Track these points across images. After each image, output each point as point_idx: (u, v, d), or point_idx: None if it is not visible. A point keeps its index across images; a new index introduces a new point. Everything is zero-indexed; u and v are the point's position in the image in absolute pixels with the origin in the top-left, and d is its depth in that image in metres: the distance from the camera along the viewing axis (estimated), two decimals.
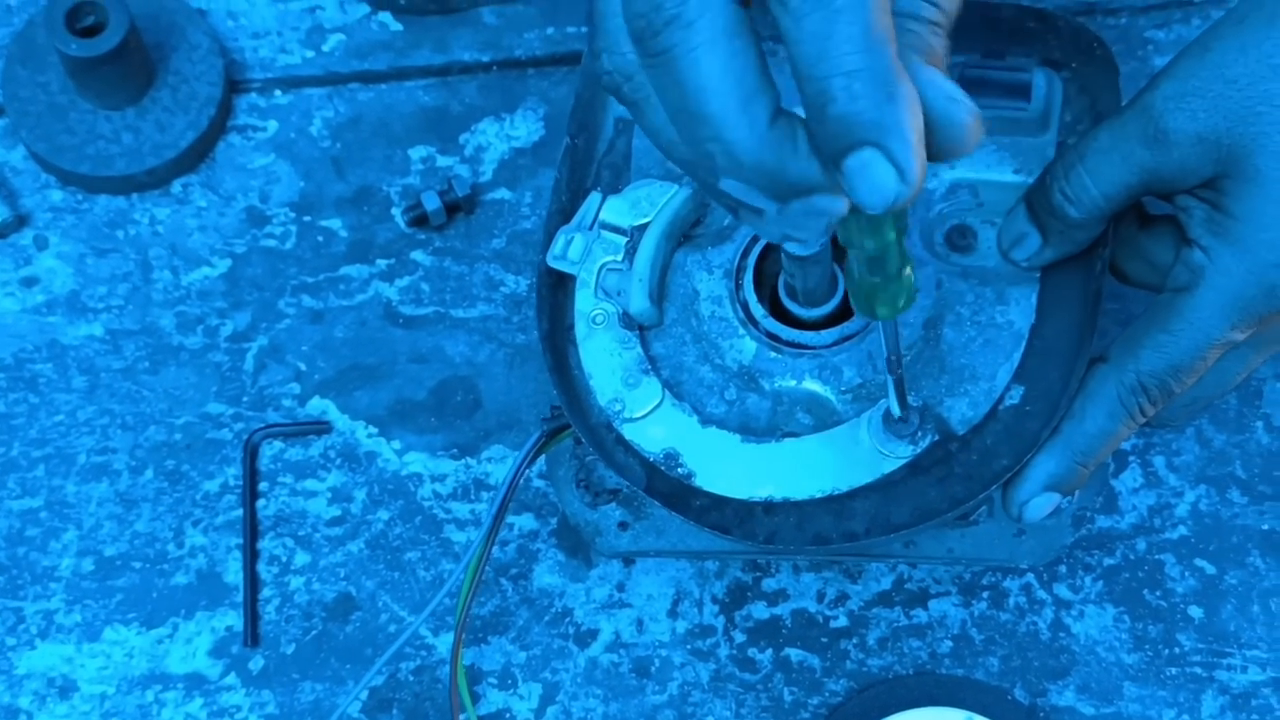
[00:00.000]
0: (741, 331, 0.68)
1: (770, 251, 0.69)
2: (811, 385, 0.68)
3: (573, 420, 0.67)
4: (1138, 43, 0.85)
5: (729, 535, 0.66)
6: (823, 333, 0.68)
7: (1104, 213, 0.65)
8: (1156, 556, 0.78)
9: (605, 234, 0.69)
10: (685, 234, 0.71)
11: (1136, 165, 0.63)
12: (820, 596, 0.78)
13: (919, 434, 0.65)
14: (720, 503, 0.67)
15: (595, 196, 0.69)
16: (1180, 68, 0.63)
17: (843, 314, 0.69)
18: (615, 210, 0.69)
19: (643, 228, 0.68)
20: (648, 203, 0.69)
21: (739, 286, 0.69)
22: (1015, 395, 0.67)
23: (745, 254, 0.69)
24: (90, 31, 0.79)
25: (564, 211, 0.71)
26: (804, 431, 0.67)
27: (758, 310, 0.68)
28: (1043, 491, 0.66)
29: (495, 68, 0.86)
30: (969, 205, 0.70)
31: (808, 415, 0.68)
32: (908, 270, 0.54)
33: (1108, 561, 0.79)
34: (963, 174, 0.71)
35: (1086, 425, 0.65)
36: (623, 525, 0.73)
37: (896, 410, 0.64)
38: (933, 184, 0.70)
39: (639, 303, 0.68)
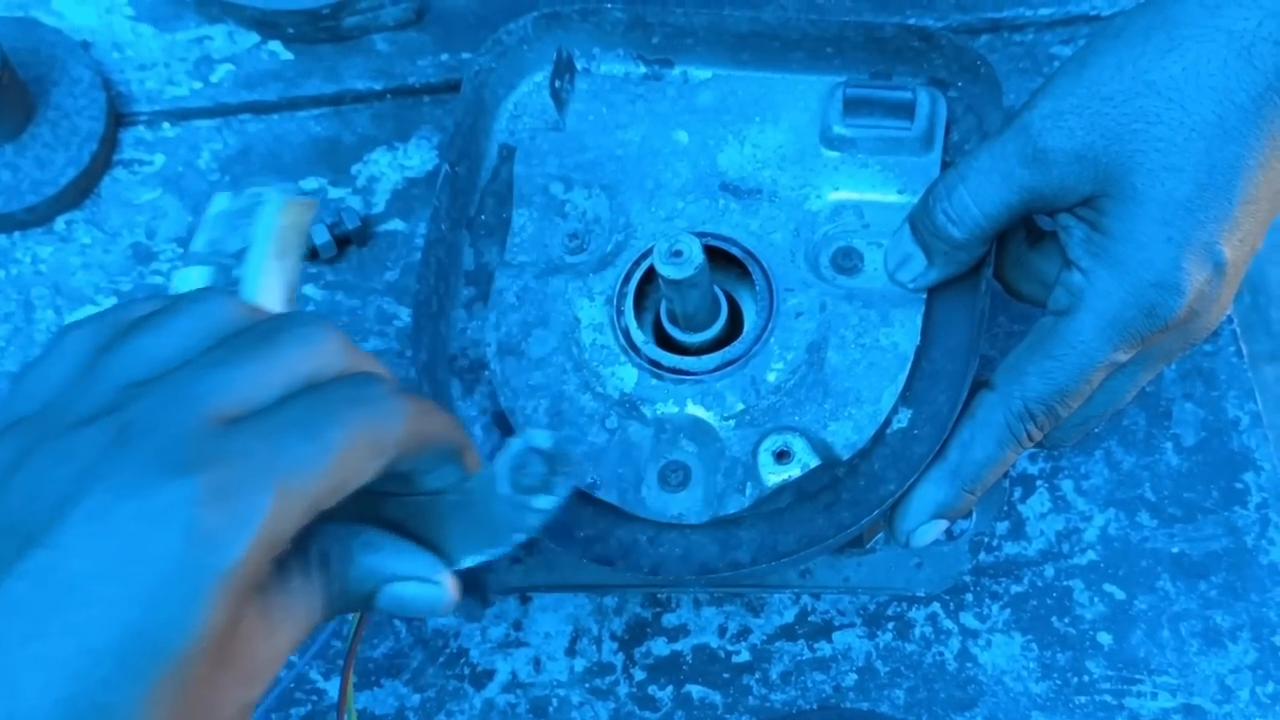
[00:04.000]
0: (623, 359, 0.68)
1: (652, 277, 0.68)
2: (695, 411, 0.67)
3: None
4: (1044, 59, 0.85)
5: (613, 566, 0.66)
6: (704, 358, 0.67)
7: (986, 233, 0.65)
8: (1065, 583, 0.78)
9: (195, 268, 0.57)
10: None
11: (1017, 185, 0.63)
12: (722, 631, 0.77)
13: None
14: (604, 534, 0.66)
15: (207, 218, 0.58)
16: (1057, 85, 0.62)
17: (726, 339, 0.68)
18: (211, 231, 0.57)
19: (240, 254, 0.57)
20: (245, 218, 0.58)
21: (620, 313, 0.68)
22: (903, 419, 0.67)
23: (626, 280, 0.69)
24: None
25: (443, 241, 0.70)
26: (689, 460, 0.66)
27: (638, 336, 0.68)
28: (930, 519, 0.65)
29: (389, 96, 0.86)
30: (855, 226, 0.70)
31: (691, 442, 0.67)
32: None
33: (1015, 589, 0.78)
34: (847, 194, 0.70)
35: (974, 453, 0.64)
36: (514, 560, 0.72)
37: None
38: (818, 205, 0.70)
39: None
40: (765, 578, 0.69)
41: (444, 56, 0.87)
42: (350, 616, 0.66)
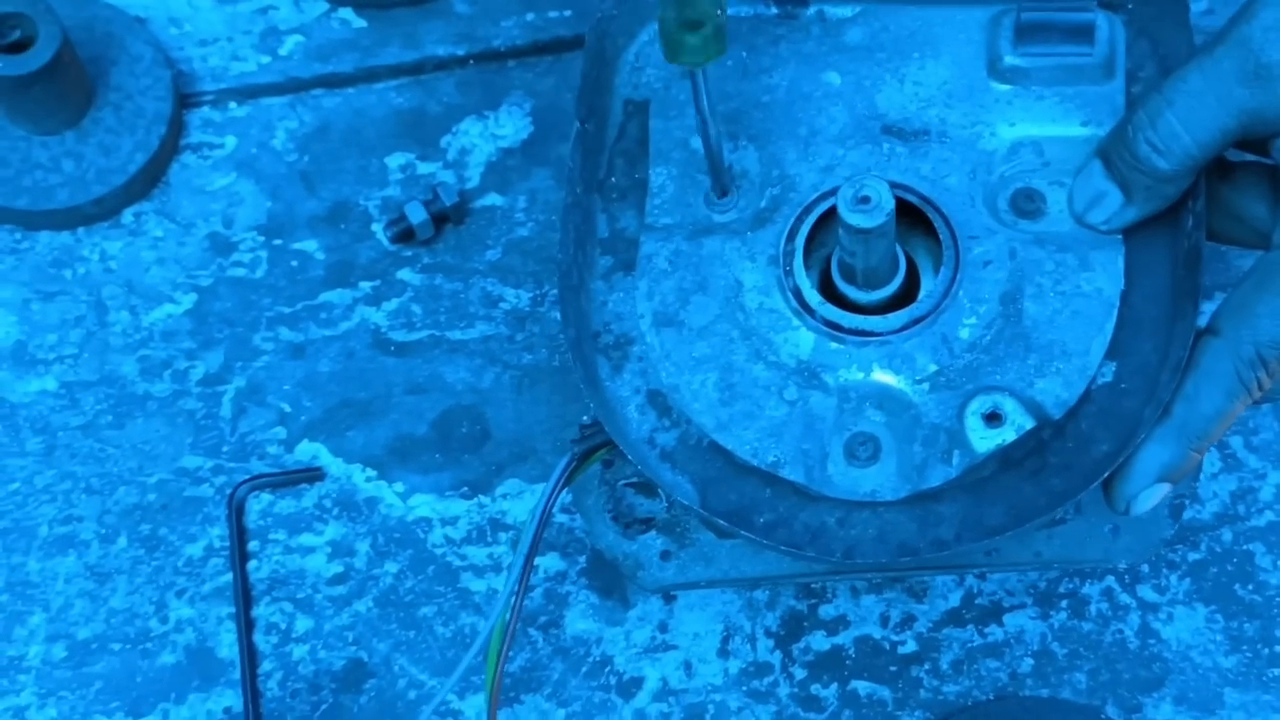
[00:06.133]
0: (796, 322, 0.63)
1: (819, 231, 0.64)
2: (882, 376, 0.62)
3: (615, 437, 0.62)
4: None
5: (802, 553, 0.61)
6: (889, 316, 0.62)
7: (1197, 162, 0.60)
8: (1245, 547, 0.75)
9: None
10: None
11: (1235, 107, 0.58)
12: (884, 620, 0.74)
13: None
14: (788, 518, 0.61)
15: None
16: None
17: (907, 295, 0.63)
18: None
19: None
20: None
21: (788, 273, 0.64)
22: (1108, 372, 0.62)
23: (791, 236, 0.64)
24: (17, 47, 0.75)
25: (579, 206, 0.65)
26: (877, 431, 0.61)
27: (812, 297, 0.63)
28: (1154, 483, 0.60)
29: (473, 61, 0.83)
30: (1033, 166, 0.65)
31: (879, 411, 0.62)
32: (719, 12, 0.56)
33: (1193, 556, 0.75)
34: (1024, 131, 0.66)
35: (1201, 406, 0.59)
36: (665, 555, 0.68)
37: (712, 184, 0.64)
38: (992, 144, 0.66)
39: None
40: (955, 557, 0.63)
41: (529, 16, 0.84)
42: (491, 627, 0.63)
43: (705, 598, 0.74)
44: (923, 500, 0.61)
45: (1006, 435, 0.59)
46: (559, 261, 0.64)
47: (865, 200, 0.57)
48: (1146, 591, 0.74)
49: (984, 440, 0.59)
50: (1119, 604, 0.74)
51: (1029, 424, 0.59)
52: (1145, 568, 0.74)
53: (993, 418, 0.60)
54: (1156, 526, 0.67)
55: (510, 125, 0.81)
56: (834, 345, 0.62)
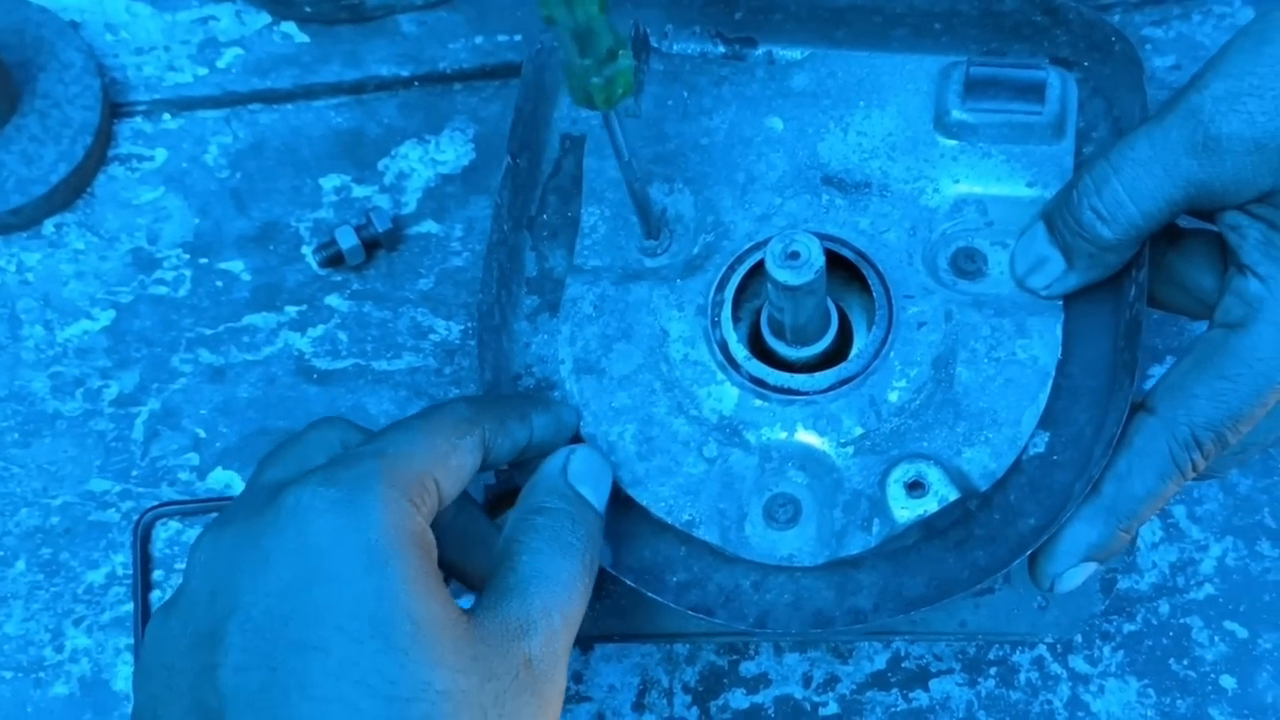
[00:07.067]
0: (720, 377, 0.61)
1: (750, 282, 0.62)
2: (806, 437, 0.60)
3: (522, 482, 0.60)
4: (1134, 42, 0.79)
5: (713, 617, 0.59)
6: (816, 375, 0.61)
7: (1141, 232, 0.59)
8: (1182, 620, 0.73)
9: None
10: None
11: (1182, 178, 0.57)
12: (807, 680, 0.72)
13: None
14: (702, 579, 0.60)
15: None
16: (1232, 63, 0.56)
17: (837, 354, 0.62)
18: None
19: None
20: None
21: (716, 324, 0.62)
22: (1040, 443, 0.61)
23: (722, 286, 0.62)
24: None
25: (505, 244, 0.63)
26: (799, 493, 0.60)
27: (738, 351, 0.61)
28: (1080, 562, 0.59)
29: (416, 83, 0.81)
30: (976, 224, 0.64)
31: (802, 473, 0.60)
32: (622, 53, 0.55)
33: (1128, 628, 0.73)
34: (969, 188, 0.64)
35: (1133, 486, 0.58)
36: None
37: (641, 228, 0.63)
38: (935, 200, 0.64)
39: None
40: (873, 624, 0.61)
41: (478, 39, 0.82)
42: None
43: (624, 649, 0.71)
44: (842, 567, 0.59)
45: (928, 506, 0.57)
46: (479, 302, 0.62)
47: (794, 256, 0.56)
48: (1078, 662, 0.72)
49: (905, 510, 0.57)
50: (1049, 674, 0.71)
51: (952, 495, 0.58)
52: (1079, 637, 0.72)
53: (915, 487, 0.58)
54: (1087, 601, 0.66)
55: (451, 151, 0.79)
56: (758, 402, 0.60)
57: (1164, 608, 0.73)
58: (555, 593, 0.53)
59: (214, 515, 0.72)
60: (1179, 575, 0.73)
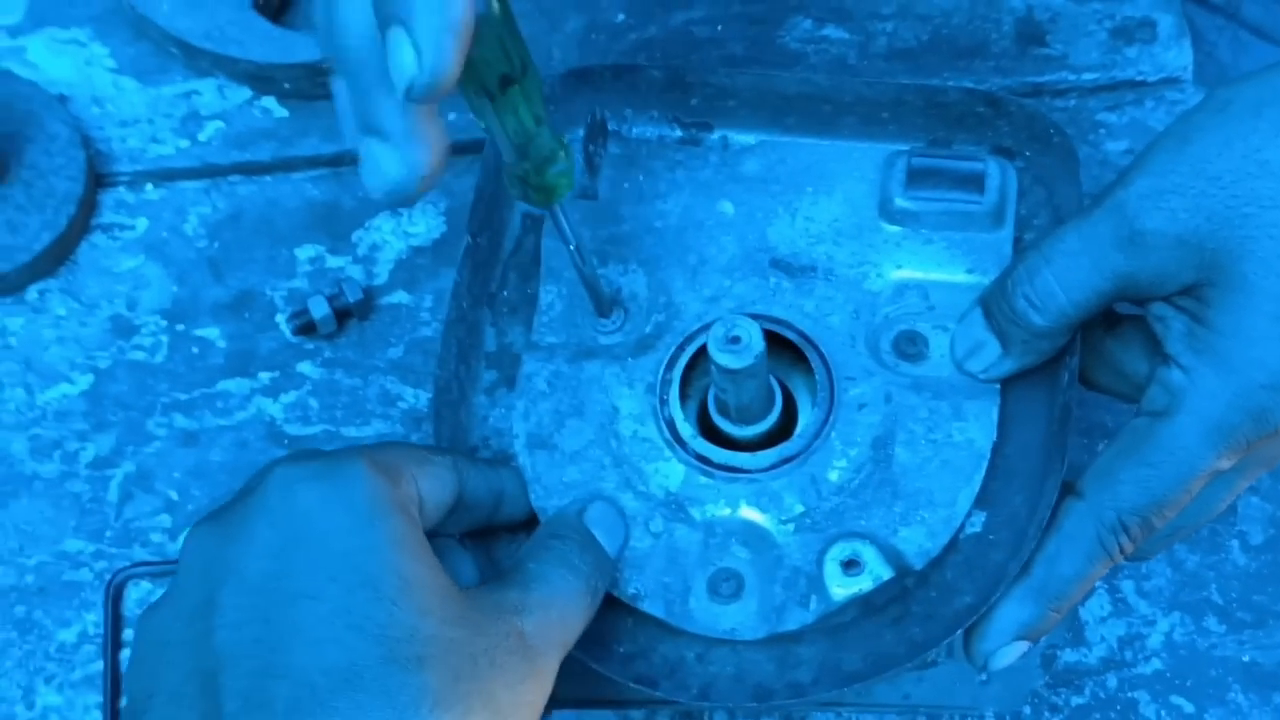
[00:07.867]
0: (668, 454, 0.62)
1: (699, 361, 0.63)
2: (749, 514, 0.61)
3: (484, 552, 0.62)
4: (1088, 126, 0.81)
5: (657, 688, 0.60)
6: (759, 454, 0.62)
7: (1072, 321, 0.60)
8: (1129, 694, 0.74)
9: None
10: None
11: (1109, 270, 0.58)
12: None
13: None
14: (646, 650, 0.61)
15: None
16: (1156, 161, 0.57)
17: (781, 433, 0.63)
18: None
19: None
20: None
21: (664, 402, 0.63)
22: (977, 523, 0.62)
23: (670, 365, 0.63)
24: None
25: (464, 320, 0.64)
26: (742, 568, 0.61)
27: (685, 429, 0.62)
28: (1012, 641, 0.60)
29: None
30: (918, 309, 0.65)
31: (745, 548, 0.61)
32: (563, 154, 0.56)
33: (1075, 701, 0.74)
34: (911, 273, 0.65)
35: (1061, 568, 0.59)
36: None
37: (594, 307, 0.64)
38: (878, 285, 0.65)
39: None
40: (816, 696, 0.62)
41: (451, 116, 0.81)
42: None
43: (578, 715, 0.72)
44: (782, 641, 0.60)
45: (863, 584, 0.59)
46: (436, 376, 0.63)
47: (735, 340, 0.57)
48: None
49: (840, 588, 0.59)
50: None
51: (886, 574, 0.59)
52: (1026, 709, 0.72)
53: (851, 565, 0.59)
54: (1027, 676, 0.67)
55: (423, 223, 0.80)
56: (703, 479, 0.62)
57: (1111, 681, 0.73)
58: (556, 595, 0.55)
59: None
60: (1127, 649, 0.74)
